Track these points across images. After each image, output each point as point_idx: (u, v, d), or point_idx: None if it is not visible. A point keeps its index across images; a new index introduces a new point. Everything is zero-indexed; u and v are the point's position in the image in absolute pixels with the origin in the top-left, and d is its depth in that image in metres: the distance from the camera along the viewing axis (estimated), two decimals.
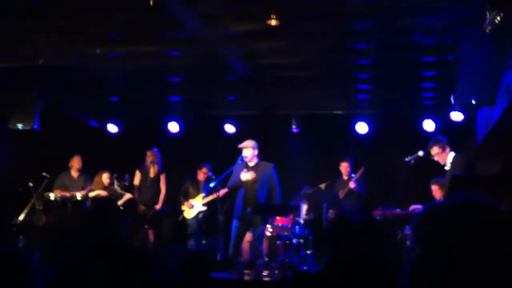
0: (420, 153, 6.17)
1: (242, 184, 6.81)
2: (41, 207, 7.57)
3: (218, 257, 6.84)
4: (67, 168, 8.11)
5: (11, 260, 2.92)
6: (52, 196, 7.60)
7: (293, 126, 9.35)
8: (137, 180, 8.06)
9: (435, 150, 6.06)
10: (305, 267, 6.43)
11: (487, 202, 1.24)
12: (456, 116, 7.99)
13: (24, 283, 2.99)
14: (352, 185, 7.67)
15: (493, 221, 1.20)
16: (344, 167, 8.09)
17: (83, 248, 3.30)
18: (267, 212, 6.61)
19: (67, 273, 3.22)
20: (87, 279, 3.09)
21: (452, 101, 6.29)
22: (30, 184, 7.56)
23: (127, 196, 7.89)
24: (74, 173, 8.08)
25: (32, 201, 7.51)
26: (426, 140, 6.56)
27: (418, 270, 1.24)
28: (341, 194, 7.81)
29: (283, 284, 4.48)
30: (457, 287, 1.15)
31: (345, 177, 8.08)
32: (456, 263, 1.15)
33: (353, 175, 7.96)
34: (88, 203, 7.68)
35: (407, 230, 6.32)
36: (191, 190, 8.52)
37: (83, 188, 7.94)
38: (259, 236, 6.84)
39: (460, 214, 1.21)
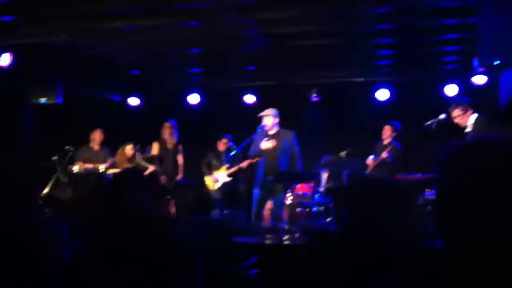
0: (442, 116, 6.11)
1: (262, 152, 6.84)
2: (65, 180, 7.71)
3: (240, 225, 6.92)
4: (89, 141, 8.25)
5: (43, 228, 3.00)
6: (75, 169, 7.74)
7: (313, 95, 9.30)
8: (155, 151, 8.11)
9: (456, 112, 5.97)
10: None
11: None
12: (479, 79, 7.87)
13: (55, 250, 3.08)
14: (384, 155, 7.45)
15: None
16: (385, 130, 7.77)
17: (108, 217, 3.39)
18: (288, 179, 6.62)
19: (94, 240, 3.30)
20: (114, 246, 3.17)
21: (475, 63, 6.20)
22: (54, 158, 7.69)
23: (151, 168, 7.98)
24: (96, 146, 8.22)
25: (57, 174, 7.64)
26: (448, 105, 6.49)
27: (444, 212, 1.22)
28: (372, 162, 7.63)
29: (304, 247, 4.53)
30: (485, 226, 1.13)
31: (385, 142, 7.77)
32: (483, 200, 1.13)
33: (394, 143, 7.68)
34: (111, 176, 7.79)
35: (428, 195, 6.29)
36: (214, 161, 8.63)
37: (105, 161, 8.08)
38: (279, 203, 6.88)
39: (484, 150, 1.19)
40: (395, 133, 7.75)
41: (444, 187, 1.22)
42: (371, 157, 7.72)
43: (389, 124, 7.82)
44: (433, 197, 5.39)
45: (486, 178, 1.14)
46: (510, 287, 1.07)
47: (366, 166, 7.73)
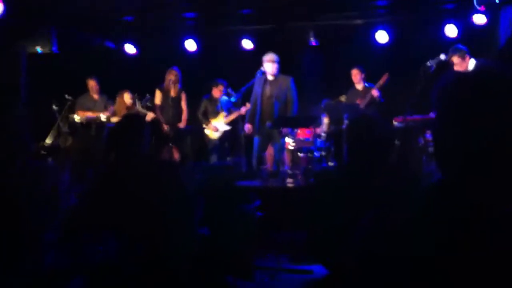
0: (442, 56, 6.07)
1: (259, 98, 6.83)
2: (66, 129, 7.73)
3: (243, 170, 6.98)
4: (86, 91, 8.22)
5: (47, 173, 3.03)
6: (76, 118, 7.74)
7: (311, 39, 9.19)
8: (158, 100, 8.06)
9: (455, 59, 5.97)
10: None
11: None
12: (479, 19, 7.76)
13: (57, 194, 3.12)
14: (375, 93, 7.48)
15: None
16: (354, 75, 7.92)
17: (111, 160, 3.40)
18: (287, 124, 6.63)
19: (95, 185, 3.33)
20: (116, 188, 3.20)
21: (475, 2, 6.11)
22: (54, 107, 7.69)
23: (150, 115, 7.96)
24: (94, 95, 8.20)
25: (57, 123, 7.66)
26: (448, 46, 6.43)
27: (444, 140, 1.22)
28: (361, 104, 7.67)
29: (307, 188, 4.60)
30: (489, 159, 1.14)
31: (358, 87, 7.93)
32: (488, 130, 1.13)
33: (367, 84, 7.81)
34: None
35: (429, 136, 6.33)
36: (209, 108, 8.54)
37: (105, 108, 8.07)
38: (279, 148, 6.93)
39: (485, 78, 1.19)
40: (363, 75, 7.89)
41: (445, 115, 1.22)
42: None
43: (355, 68, 7.94)
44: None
45: (487, 107, 1.14)
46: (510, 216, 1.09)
47: None
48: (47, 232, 2.75)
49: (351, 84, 8.04)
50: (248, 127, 7.09)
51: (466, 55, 6.05)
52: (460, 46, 6.29)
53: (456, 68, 6.04)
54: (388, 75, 7.50)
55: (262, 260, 4.67)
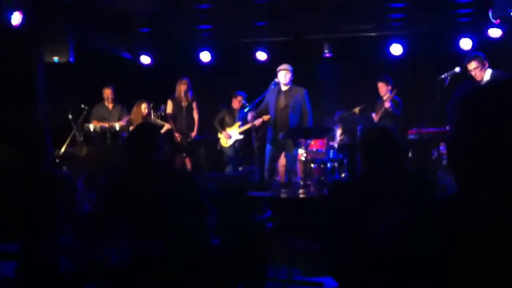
0: (457, 69, 6.05)
1: (273, 108, 6.88)
2: (81, 139, 7.80)
3: (255, 180, 6.99)
4: (102, 100, 8.31)
5: (62, 181, 3.07)
6: (91, 127, 7.81)
7: (325, 51, 9.21)
8: (169, 109, 8.13)
9: (473, 65, 5.90)
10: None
11: None
12: (494, 32, 7.73)
13: (72, 201, 3.15)
14: (387, 104, 7.41)
15: None
16: (380, 87, 7.76)
17: (124, 169, 3.42)
18: (300, 135, 6.65)
19: (110, 192, 3.35)
20: (130, 195, 3.22)
21: (490, 16, 6.09)
22: (70, 117, 7.76)
23: (167, 126, 8.04)
24: (109, 104, 8.28)
25: (73, 132, 7.73)
26: (463, 58, 6.41)
27: (459, 151, 1.22)
28: (377, 115, 7.63)
29: (319, 199, 4.59)
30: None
31: (384, 98, 7.72)
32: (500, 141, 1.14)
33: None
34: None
35: (442, 149, 6.30)
36: (226, 118, 8.66)
37: (119, 119, 8.15)
38: (292, 159, 6.94)
39: (502, 90, 1.19)
40: (390, 87, 7.69)
41: (460, 127, 1.22)
42: (373, 114, 7.72)
43: (380, 80, 7.76)
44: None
45: (503, 119, 1.14)
46: None
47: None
48: (63, 238, 2.78)
49: (373, 94, 7.92)
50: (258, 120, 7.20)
51: (485, 61, 5.96)
52: (479, 53, 6.24)
53: (474, 73, 5.94)
54: (395, 90, 7.45)
55: (273, 271, 4.66)
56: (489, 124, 1.15)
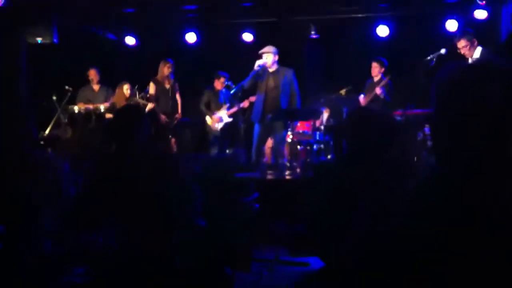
0: (442, 50, 6.07)
1: (263, 90, 6.86)
2: (66, 120, 7.73)
3: (241, 162, 7.00)
4: (88, 82, 8.22)
5: (46, 163, 3.04)
6: (76, 109, 7.75)
7: (312, 32, 9.18)
8: (152, 91, 8.04)
9: (462, 43, 5.89)
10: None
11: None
12: (480, 14, 7.75)
13: (58, 184, 3.13)
14: (378, 91, 7.40)
15: None
16: (373, 67, 7.70)
17: (110, 151, 3.41)
18: (288, 116, 6.65)
19: (94, 175, 3.34)
20: (115, 178, 3.20)
21: None
22: (54, 98, 7.68)
23: (150, 105, 7.97)
24: (95, 86, 8.21)
25: (57, 114, 7.66)
26: (449, 41, 6.41)
27: (442, 131, 1.23)
28: (366, 98, 7.61)
29: (305, 181, 4.62)
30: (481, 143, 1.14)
31: (375, 79, 7.72)
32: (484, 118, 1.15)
33: (384, 78, 7.62)
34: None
35: (427, 130, 6.34)
36: (211, 100, 8.61)
37: (105, 100, 8.08)
38: (280, 140, 6.95)
39: (485, 72, 1.20)
40: (383, 69, 7.69)
41: (443, 108, 1.23)
42: (361, 96, 7.71)
43: (376, 60, 7.72)
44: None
45: (486, 99, 1.15)
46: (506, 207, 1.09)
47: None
48: (47, 221, 2.77)
49: (359, 75, 7.90)
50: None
51: (474, 39, 5.94)
52: (468, 29, 6.22)
53: (463, 52, 5.93)
54: (389, 78, 7.43)
55: (260, 252, 4.69)
56: (469, 103, 1.16)
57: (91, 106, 7.85)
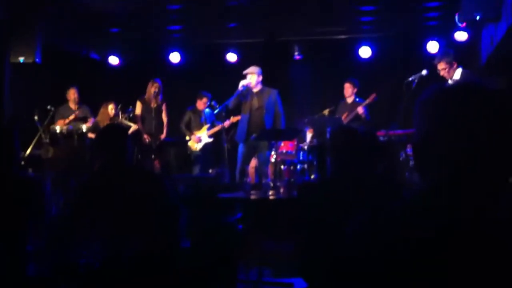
0: (424, 72, 6.15)
1: (247, 110, 6.88)
2: (47, 140, 7.64)
3: (225, 182, 6.97)
4: (66, 101, 8.18)
5: (29, 183, 2.99)
6: (58, 128, 7.67)
7: (296, 53, 9.26)
8: (138, 110, 8.03)
9: (442, 65, 5.95)
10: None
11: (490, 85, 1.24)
12: (461, 36, 7.90)
13: (40, 204, 3.08)
14: (360, 110, 7.46)
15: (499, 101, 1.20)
16: (346, 88, 7.84)
17: (93, 171, 3.37)
18: (272, 136, 6.66)
19: (79, 194, 3.29)
20: (99, 198, 3.16)
21: (457, 19, 6.21)
22: (36, 118, 7.60)
23: (134, 127, 7.93)
24: (73, 105, 8.14)
25: (38, 134, 7.58)
26: (431, 61, 6.50)
27: (425, 152, 1.24)
28: (344, 118, 7.70)
29: (289, 201, 4.61)
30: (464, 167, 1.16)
31: (349, 100, 7.86)
32: (463, 139, 1.17)
33: (357, 99, 7.76)
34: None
35: (409, 151, 6.39)
36: (192, 120, 8.57)
37: (84, 120, 8.01)
38: (264, 161, 6.95)
39: (466, 93, 1.22)
40: (356, 89, 7.81)
41: (426, 128, 1.25)
42: (343, 115, 7.74)
43: (348, 81, 7.85)
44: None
45: (468, 120, 1.17)
46: (491, 222, 1.11)
47: None
48: (31, 242, 2.72)
49: (342, 96, 7.99)
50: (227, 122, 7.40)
51: (453, 61, 6.01)
52: (448, 50, 6.30)
53: (442, 74, 5.99)
54: (376, 95, 7.51)
55: (244, 273, 4.65)
56: (452, 125, 1.18)
57: (72, 126, 7.77)
